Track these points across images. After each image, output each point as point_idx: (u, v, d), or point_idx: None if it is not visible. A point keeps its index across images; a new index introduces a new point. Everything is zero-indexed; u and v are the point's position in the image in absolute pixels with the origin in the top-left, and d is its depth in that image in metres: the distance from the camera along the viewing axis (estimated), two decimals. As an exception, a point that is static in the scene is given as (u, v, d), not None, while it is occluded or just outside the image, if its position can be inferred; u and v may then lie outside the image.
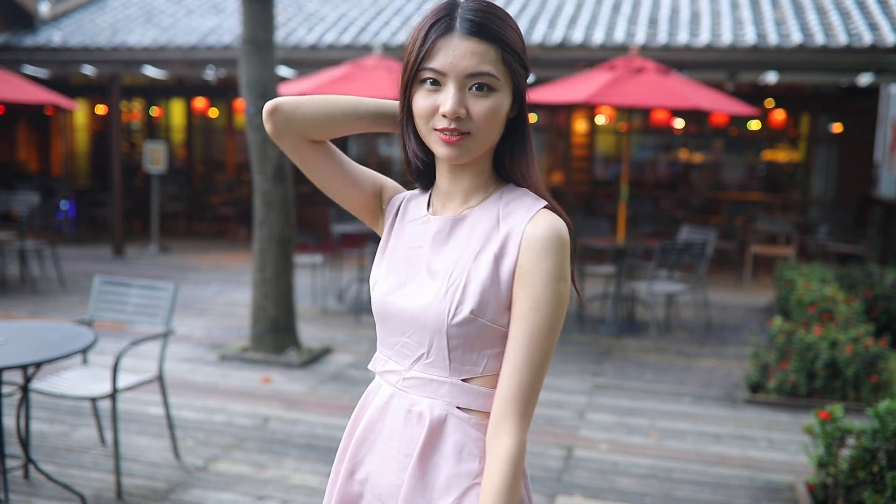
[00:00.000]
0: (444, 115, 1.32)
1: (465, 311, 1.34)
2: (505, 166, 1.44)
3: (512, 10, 10.11)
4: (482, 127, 1.33)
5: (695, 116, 12.71)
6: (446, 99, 1.31)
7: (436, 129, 1.35)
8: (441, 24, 1.32)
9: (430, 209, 1.49)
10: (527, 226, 1.36)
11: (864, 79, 9.00)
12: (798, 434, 4.79)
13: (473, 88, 1.32)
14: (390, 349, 1.47)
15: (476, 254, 1.38)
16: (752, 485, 4.17)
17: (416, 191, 1.56)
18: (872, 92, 11.58)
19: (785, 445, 4.73)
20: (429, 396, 1.39)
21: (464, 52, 1.30)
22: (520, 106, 1.40)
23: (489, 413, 1.37)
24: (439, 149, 1.36)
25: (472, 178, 1.44)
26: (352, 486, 1.50)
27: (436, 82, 1.33)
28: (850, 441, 3.82)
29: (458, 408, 1.39)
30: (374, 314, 1.50)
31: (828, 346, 5.36)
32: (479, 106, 1.32)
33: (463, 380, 1.38)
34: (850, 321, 5.89)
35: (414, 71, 1.34)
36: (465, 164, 1.41)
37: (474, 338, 1.36)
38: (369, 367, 1.57)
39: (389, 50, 9.06)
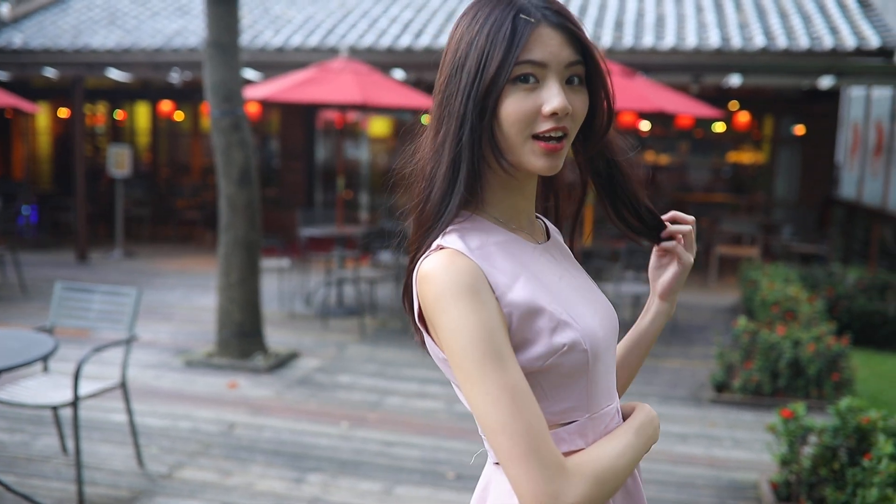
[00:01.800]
0: (552, 114, 1.14)
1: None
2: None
3: (478, 13, 10.13)
4: (575, 126, 1.20)
5: (661, 119, 12.83)
6: (551, 95, 1.14)
7: (535, 136, 1.16)
8: (519, 16, 1.15)
9: (511, 233, 1.27)
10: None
11: (826, 82, 9.14)
12: (762, 433, 4.85)
13: (574, 81, 1.19)
14: (606, 392, 1.29)
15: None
16: (717, 484, 4.21)
17: (463, 245, 1.18)
18: (834, 95, 11.76)
19: (749, 444, 4.78)
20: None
21: (559, 42, 1.15)
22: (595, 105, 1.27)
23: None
24: (537, 160, 1.17)
25: (533, 190, 1.31)
26: None
27: (533, 79, 1.15)
28: (813, 439, 3.88)
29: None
30: (588, 364, 1.22)
31: (791, 346, 5.43)
32: (579, 101, 1.19)
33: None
34: (813, 320, 5.97)
35: (506, 65, 1.13)
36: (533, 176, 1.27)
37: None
38: (581, 444, 1.24)
39: (356, 52, 9.03)
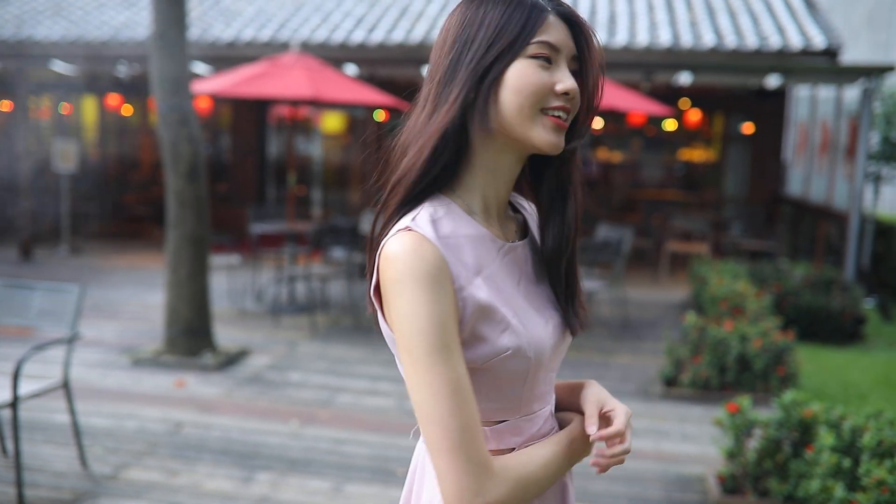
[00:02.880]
0: (563, 93, 1.20)
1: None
2: (560, 183, 1.33)
3: (432, 9, 10.11)
4: (573, 112, 1.25)
5: (613, 116, 12.93)
6: (564, 76, 1.20)
7: (545, 111, 1.20)
8: (535, 2, 1.21)
9: (482, 227, 1.26)
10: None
11: (773, 81, 9.29)
12: (710, 427, 4.90)
13: (574, 71, 1.25)
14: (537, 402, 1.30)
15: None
16: (665, 477, 4.25)
17: (432, 231, 1.18)
18: (781, 94, 11.97)
19: (697, 438, 4.84)
20: None
21: (567, 33, 1.22)
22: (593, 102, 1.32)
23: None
24: (547, 135, 1.20)
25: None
26: None
27: (549, 60, 1.20)
28: (758, 432, 3.93)
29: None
30: (530, 368, 1.24)
31: (738, 341, 5.50)
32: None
33: None
34: (760, 316, 6.07)
35: (524, 42, 1.18)
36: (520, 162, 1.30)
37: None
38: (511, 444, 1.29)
39: (308, 47, 8.95)
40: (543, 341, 1.25)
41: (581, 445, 1.30)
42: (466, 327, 1.16)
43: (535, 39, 1.19)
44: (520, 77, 1.19)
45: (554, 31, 1.20)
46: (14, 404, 3.62)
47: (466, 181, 1.26)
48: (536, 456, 1.22)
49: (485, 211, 1.27)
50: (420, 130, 1.23)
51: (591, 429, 1.26)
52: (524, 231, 1.37)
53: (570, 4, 1.26)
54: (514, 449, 1.26)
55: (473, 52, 1.20)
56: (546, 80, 1.19)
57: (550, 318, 1.30)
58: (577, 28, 1.23)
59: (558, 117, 1.21)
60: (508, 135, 1.22)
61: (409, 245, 1.14)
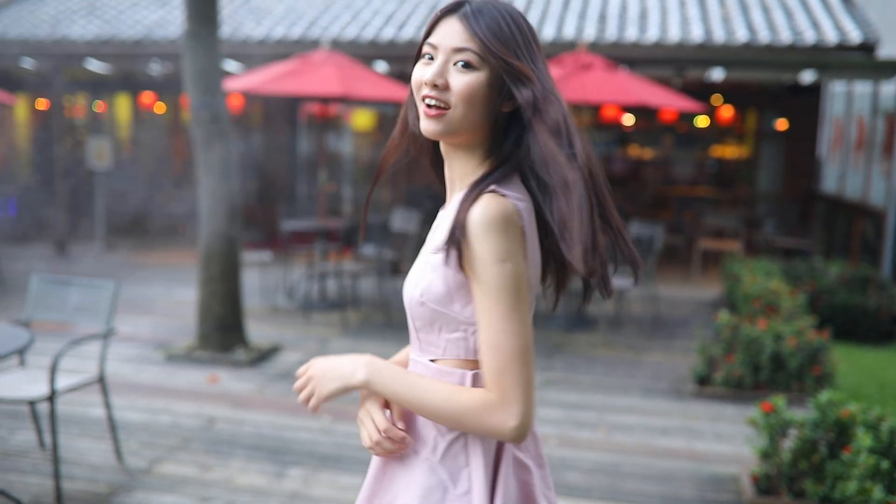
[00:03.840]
0: (425, 84, 1.39)
1: (416, 296, 1.43)
2: (527, 174, 1.44)
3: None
4: (459, 102, 1.37)
5: (644, 113, 12.84)
6: (428, 70, 1.40)
7: (422, 101, 1.41)
8: (448, 9, 1.42)
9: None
10: (470, 212, 1.36)
11: (808, 76, 9.17)
12: (743, 426, 4.86)
13: (459, 65, 1.38)
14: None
15: (437, 242, 1.43)
16: (698, 477, 4.22)
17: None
18: (816, 90, 11.81)
19: (731, 438, 4.79)
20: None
21: (455, 30, 1.39)
22: (528, 101, 1.39)
23: None
24: (421, 121, 1.43)
25: (461, 165, 1.48)
26: None
27: (431, 57, 1.41)
28: (793, 432, 3.89)
29: None
30: None
31: (772, 340, 5.44)
32: (459, 80, 1.37)
33: (430, 360, 1.47)
34: (794, 314, 5.99)
35: (421, 45, 1.44)
36: (456, 149, 1.47)
37: (431, 320, 1.43)
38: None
39: (338, 45, 8.98)
40: None
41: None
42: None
43: (426, 41, 1.43)
44: (413, 74, 1.45)
45: (439, 32, 1.40)
46: (51, 398, 3.67)
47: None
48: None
49: (448, 185, 1.53)
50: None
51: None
52: None
53: (483, 2, 1.41)
54: None
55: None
56: (422, 74, 1.41)
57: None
58: (471, 22, 1.38)
59: (427, 105, 1.40)
60: None
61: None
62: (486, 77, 1.38)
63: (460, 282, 1.38)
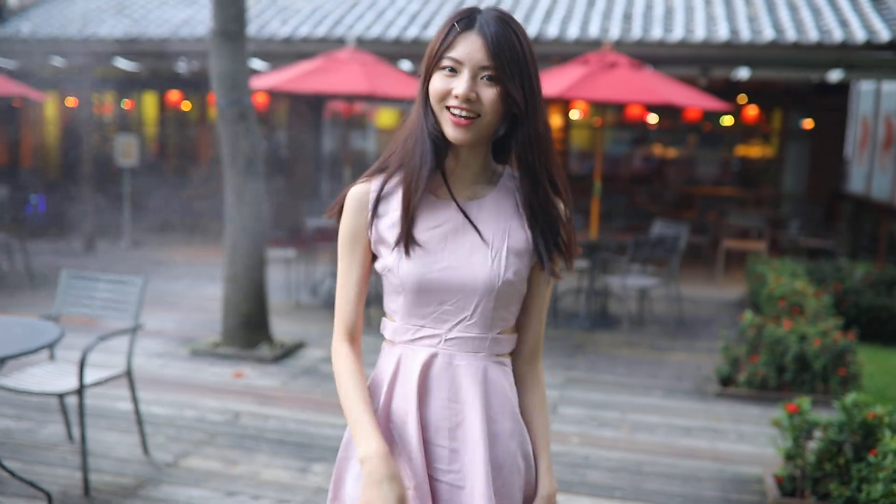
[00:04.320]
0: (456, 97, 1.54)
1: (509, 276, 1.61)
2: (521, 157, 1.63)
3: (484, 5, 10.10)
4: (488, 111, 1.55)
5: (668, 112, 12.78)
6: (460, 83, 1.54)
7: (447, 109, 1.56)
8: (463, 23, 1.56)
9: (434, 192, 1.65)
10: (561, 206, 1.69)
11: (835, 75, 9.08)
12: (767, 427, 4.83)
13: (484, 78, 1.55)
14: (423, 319, 1.65)
15: (507, 229, 1.64)
16: (721, 477, 4.21)
17: (373, 183, 1.70)
18: (843, 88, 11.70)
19: (754, 438, 4.77)
20: (472, 351, 1.64)
21: (479, 47, 1.54)
22: (526, 103, 1.58)
23: (507, 355, 1.71)
24: (448, 129, 1.57)
25: (481, 162, 1.67)
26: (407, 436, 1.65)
27: (453, 70, 1.56)
28: (818, 434, 3.86)
29: (496, 355, 1.67)
30: (403, 292, 1.64)
31: (797, 340, 5.40)
32: (488, 93, 1.55)
33: (497, 333, 1.66)
34: (820, 315, 5.95)
35: (437, 58, 1.57)
36: (476, 149, 1.64)
37: (509, 297, 1.64)
38: (388, 337, 1.72)
39: (363, 43, 9.02)
40: (420, 275, 1.61)
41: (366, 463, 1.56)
42: (375, 242, 1.68)
43: (446, 55, 1.56)
44: (433, 84, 1.58)
45: (461, 48, 1.55)
46: (80, 392, 3.73)
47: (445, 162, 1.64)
48: (348, 389, 1.66)
49: (449, 178, 1.65)
50: (405, 126, 1.69)
51: None
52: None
53: (506, 20, 1.57)
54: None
55: (422, 66, 1.62)
56: (446, 86, 1.56)
57: (454, 261, 1.62)
58: (494, 41, 1.54)
59: (455, 115, 1.55)
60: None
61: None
62: (504, 88, 1.56)
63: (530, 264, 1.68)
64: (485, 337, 1.64)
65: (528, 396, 1.72)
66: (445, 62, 1.56)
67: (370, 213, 1.67)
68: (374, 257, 1.71)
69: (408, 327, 1.67)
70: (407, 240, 1.62)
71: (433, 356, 1.64)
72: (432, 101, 1.59)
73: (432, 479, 1.63)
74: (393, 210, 1.66)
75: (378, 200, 1.67)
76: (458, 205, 1.64)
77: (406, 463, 1.63)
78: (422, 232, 1.63)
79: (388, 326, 1.72)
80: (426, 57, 1.61)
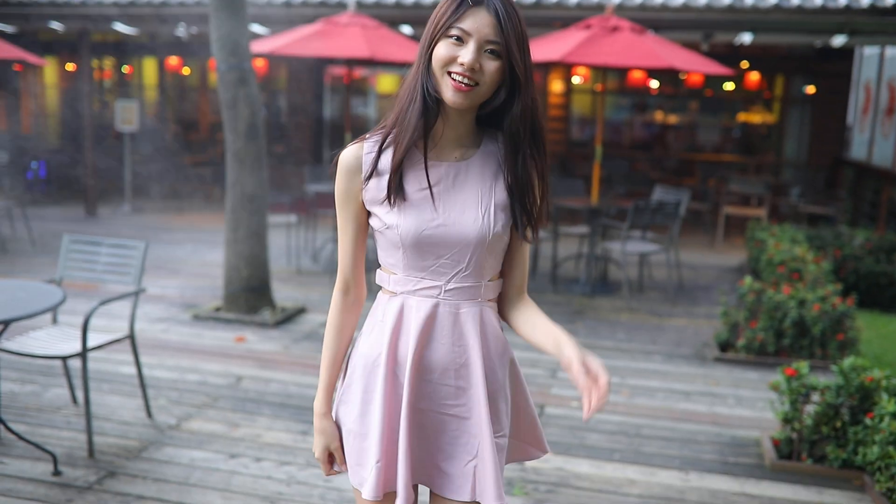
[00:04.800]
0: (461, 65, 1.66)
1: (498, 229, 1.76)
2: (509, 126, 1.76)
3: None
4: (487, 81, 1.69)
5: (670, 77, 12.69)
6: (466, 53, 1.66)
7: (449, 74, 1.68)
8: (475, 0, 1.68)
9: (423, 153, 1.77)
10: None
11: (838, 40, 9.01)
12: (765, 391, 4.88)
13: (488, 51, 1.68)
14: (423, 271, 1.79)
15: (492, 187, 1.79)
16: (720, 440, 4.25)
17: (365, 145, 1.82)
18: (846, 54, 11.61)
19: (752, 402, 4.81)
20: (469, 299, 1.80)
21: (488, 23, 1.67)
22: (517, 75, 1.72)
23: (495, 299, 1.89)
24: (449, 93, 1.69)
25: (467, 126, 1.80)
26: (413, 379, 1.81)
27: (459, 39, 1.67)
28: (815, 397, 3.90)
29: (487, 301, 1.84)
30: (402, 247, 1.77)
31: (796, 305, 5.43)
32: (490, 65, 1.68)
33: (487, 281, 1.83)
34: (819, 281, 5.97)
35: (445, 26, 1.68)
36: (464, 114, 1.76)
37: (497, 248, 1.81)
38: (389, 288, 1.85)
39: (363, 7, 8.94)
40: (419, 229, 1.75)
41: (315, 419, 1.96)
42: (368, 201, 1.81)
43: (455, 24, 1.67)
44: (437, 50, 1.69)
45: (472, 20, 1.67)
46: (83, 355, 3.76)
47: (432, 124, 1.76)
48: (326, 360, 2.00)
49: (436, 140, 1.78)
50: (403, 88, 1.79)
51: (584, 412, 1.63)
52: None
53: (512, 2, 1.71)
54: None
55: (426, 32, 1.72)
56: (451, 53, 1.67)
57: (450, 216, 1.76)
58: (501, 19, 1.67)
59: (458, 81, 1.67)
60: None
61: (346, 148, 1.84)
62: (504, 63, 1.70)
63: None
64: (478, 285, 1.81)
65: (530, 314, 1.89)
66: (454, 31, 1.68)
67: (364, 174, 1.79)
68: (370, 215, 1.83)
69: (409, 279, 1.81)
70: (395, 192, 1.75)
71: (436, 306, 1.80)
72: (435, 66, 1.70)
73: (441, 414, 1.83)
74: (386, 169, 1.77)
75: (373, 161, 1.78)
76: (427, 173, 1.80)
77: (403, 401, 1.81)
78: (416, 191, 1.76)
79: (389, 279, 1.85)
80: (432, 24, 1.71)
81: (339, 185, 1.82)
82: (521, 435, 1.97)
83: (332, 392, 1.96)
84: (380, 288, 1.90)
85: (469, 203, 1.78)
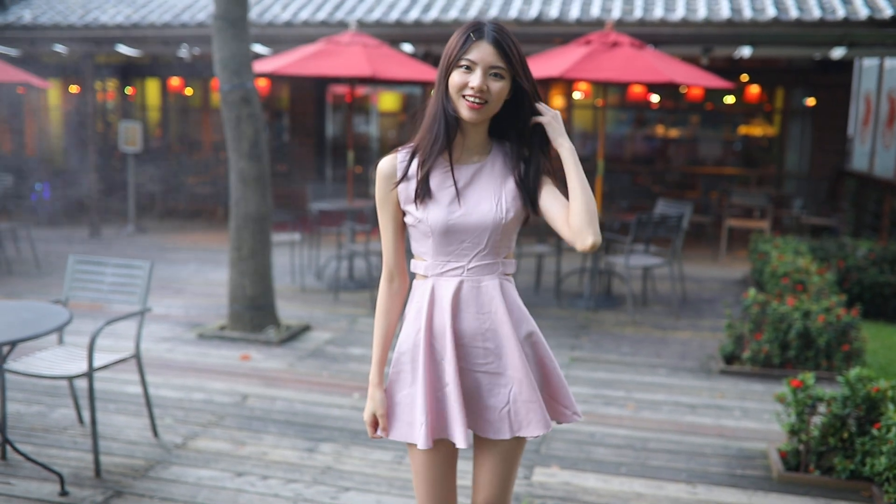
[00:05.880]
0: (472, 88, 2.04)
1: (510, 215, 2.12)
2: (522, 132, 2.16)
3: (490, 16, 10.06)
4: (494, 98, 2.07)
5: (671, 91, 12.74)
6: (475, 78, 2.04)
7: (464, 97, 2.06)
8: (476, 33, 2.05)
9: (449, 159, 2.14)
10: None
11: (837, 52, 9.05)
12: (771, 403, 4.87)
13: (493, 75, 2.06)
14: (448, 255, 2.15)
15: (504, 182, 2.15)
16: (726, 453, 4.24)
17: (399, 154, 2.18)
18: (846, 65, 11.65)
19: (758, 414, 4.80)
20: (488, 274, 2.15)
21: (489, 52, 2.04)
22: (522, 92, 2.11)
23: (511, 276, 2.24)
24: (465, 111, 2.07)
25: (481, 136, 2.18)
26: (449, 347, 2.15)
27: (468, 68, 2.05)
28: (822, 409, 3.90)
29: (504, 274, 2.19)
30: (432, 236, 2.12)
31: (801, 317, 5.43)
32: (495, 86, 2.06)
33: (503, 258, 2.18)
34: (823, 292, 5.97)
35: (457, 58, 2.06)
36: (478, 126, 2.14)
37: (509, 231, 2.15)
38: (421, 272, 2.19)
39: (365, 26, 9.00)
40: (445, 220, 2.10)
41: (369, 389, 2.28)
42: (403, 202, 2.16)
43: (464, 56, 2.05)
44: (452, 78, 2.07)
45: (476, 51, 2.04)
46: (90, 375, 3.77)
47: (454, 136, 2.13)
48: (377, 338, 2.31)
49: (461, 149, 2.16)
50: (427, 109, 2.15)
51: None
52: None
53: (506, 30, 2.07)
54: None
55: (441, 65, 2.10)
56: (464, 80, 2.05)
57: (469, 208, 2.11)
58: (500, 47, 2.04)
59: (471, 101, 2.05)
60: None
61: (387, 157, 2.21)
62: (507, 82, 2.08)
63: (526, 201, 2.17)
64: (496, 262, 2.17)
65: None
66: (463, 62, 2.05)
67: (398, 178, 2.16)
68: (405, 214, 2.18)
69: (437, 263, 2.17)
70: (424, 192, 2.11)
71: (461, 283, 2.15)
72: (451, 91, 2.08)
73: (475, 372, 2.17)
74: (416, 174, 2.14)
75: (405, 168, 2.15)
76: (451, 173, 2.18)
77: (446, 364, 2.15)
78: (442, 190, 2.13)
79: (420, 265, 2.20)
80: (445, 58, 2.09)
81: (379, 190, 2.18)
82: (551, 392, 2.26)
83: (384, 365, 2.27)
84: (414, 277, 2.25)
85: (485, 196, 2.14)
